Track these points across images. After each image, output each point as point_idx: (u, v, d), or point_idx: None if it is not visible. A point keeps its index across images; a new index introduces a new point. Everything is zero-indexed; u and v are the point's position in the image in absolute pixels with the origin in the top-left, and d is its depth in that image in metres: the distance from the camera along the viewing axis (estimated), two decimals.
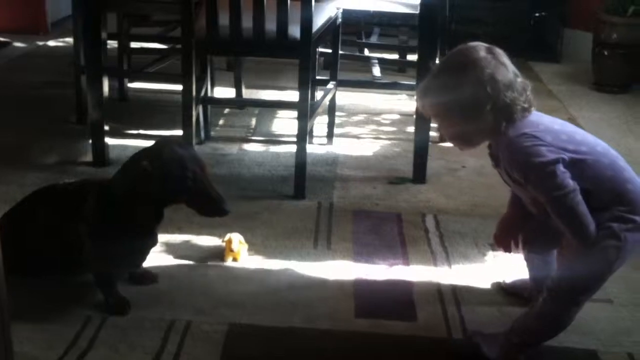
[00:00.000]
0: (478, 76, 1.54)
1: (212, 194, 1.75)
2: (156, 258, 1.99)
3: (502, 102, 1.55)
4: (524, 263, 1.88)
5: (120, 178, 1.77)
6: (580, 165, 1.55)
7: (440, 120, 1.68)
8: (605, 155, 1.59)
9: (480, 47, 1.59)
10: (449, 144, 3.01)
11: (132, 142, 2.80)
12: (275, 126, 3.17)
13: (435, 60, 2.69)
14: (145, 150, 1.77)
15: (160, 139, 1.82)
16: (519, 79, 1.60)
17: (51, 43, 4.42)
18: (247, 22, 2.37)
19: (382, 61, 3.86)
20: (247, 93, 3.38)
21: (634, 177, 1.59)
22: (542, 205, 1.59)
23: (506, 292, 1.94)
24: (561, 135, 1.58)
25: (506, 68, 1.57)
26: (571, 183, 1.53)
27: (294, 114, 2.49)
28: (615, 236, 1.55)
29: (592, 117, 3.38)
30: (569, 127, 1.64)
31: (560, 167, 1.53)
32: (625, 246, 1.55)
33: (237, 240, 2.06)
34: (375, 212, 2.39)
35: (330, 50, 2.93)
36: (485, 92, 1.54)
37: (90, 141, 2.67)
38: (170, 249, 2.10)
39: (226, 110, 3.32)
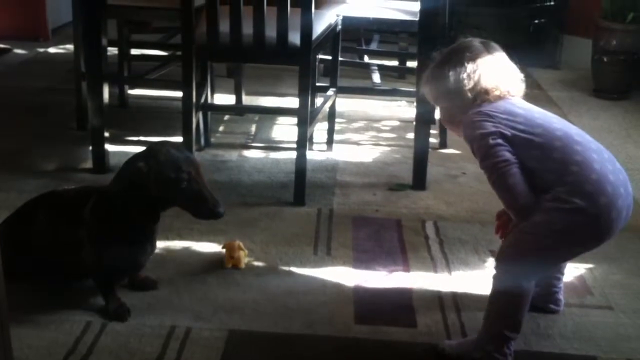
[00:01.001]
0: (462, 60, 1.72)
1: (206, 196, 1.75)
2: (156, 264, 1.99)
3: (479, 86, 1.70)
4: None
5: (117, 181, 1.78)
6: (526, 144, 1.62)
7: (435, 103, 1.85)
8: (561, 139, 1.62)
9: (474, 40, 1.77)
10: (449, 151, 3.03)
11: (133, 149, 2.79)
12: (275, 133, 3.17)
13: None
14: (140, 152, 1.77)
15: (155, 142, 1.82)
16: (509, 72, 1.74)
17: (51, 50, 4.43)
18: (247, 29, 2.38)
19: (381, 68, 3.87)
20: (247, 100, 3.38)
21: (589, 163, 1.59)
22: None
23: None
24: (518, 117, 1.66)
25: (493, 58, 1.73)
26: (506, 155, 1.61)
27: (294, 120, 2.49)
28: (546, 214, 1.59)
29: (592, 124, 3.39)
30: (536, 114, 1.70)
31: (497, 140, 1.62)
32: (555, 227, 1.58)
33: (237, 246, 2.06)
34: (375, 219, 2.39)
35: (330, 57, 2.93)
36: (465, 74, 1.71)
37: (91, 148, 2.68)
38: (171, 255, 2.10)
39: (226, 117, 3.33)
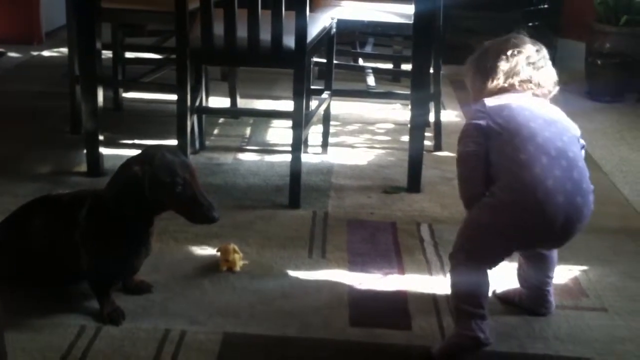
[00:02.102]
0: (497, 52, 1.81)
1: (201, 201, 1.74)
2: (151, 268, 1.98)
3: (496, 79, 1.79)
4: (516, 272, 1.92)
5: (111, 185, 1.77)
6: (495, 137, 1.69)
7: (466, 78, 1.93)
8: (523, 139, 1.66)
9: (524, 37, 1.86)
10: (443, 153, 3.04)
11: (127, 152, 2.79)
12: (270, 136, 3.17)
13: (429, 69, 2.70)
14: (135, 156, 1.77)
15: (150, 146, 1.82)
16: (543, 70, 1.83)
17: (45, 53, 4.43)
18: (241, 33, 2.38)
19: (376, 71, 3.87)
20: (241, 103, 3.38)
21: (531, 164, 1.63)
22: None
23: (500, 300, 1.95)
24: (504, 110, 1.72)
25: (525, 58, 1.79)
26: (471, 145, 1.71)
27: (289, 123, 2.50)
28: (477, 207, 1.70)
29: (586, 126, 3.38)
30: (525, 110, 1.73)
31: (471, 129, 1.72)
32: (482, 220, 1.69)
33: (232, 249, 2.06)
34: (370, 222, 2.40)
35: (324, 60, 2.94)
36: (491, 64, 1.80)
37: (85, 151, 2.67)
38: (165, 258, 2.09)
39: (221, 120, 3.33)
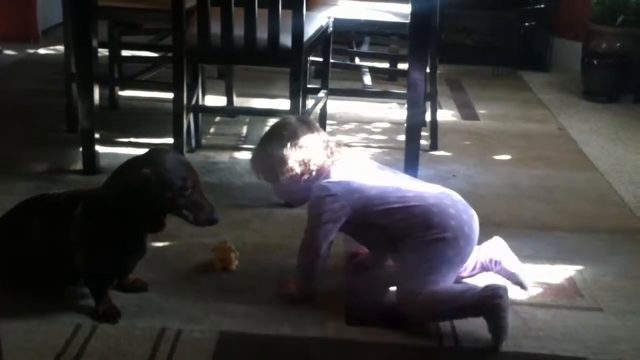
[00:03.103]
0: (282, 138, 1.92)
1: (204, 204, 1.76)
2: (147, 266, 1.98)
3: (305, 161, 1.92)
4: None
5: (114, 187, 1.76)
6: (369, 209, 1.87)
7: (271, 181, 2.02)
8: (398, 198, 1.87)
9: (290, 117, 2.03)
10: (439, 153, 3.04)
11: (123, 150, 2.80)
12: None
13: (425, 68, 2.70)
14: (139, 158, 1.76)
15: (153, 148, 1.81)
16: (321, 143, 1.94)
17: (42, 51, 4.42)
18: (238, 31, 2.38)
19: (373, 70, 3.88)
20: (238, 101, 3.38)
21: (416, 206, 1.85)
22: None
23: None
24: (355, 194, 1.88)
25: (309, 132, 1.93)
26: (329, 219, 1.88)
27: None
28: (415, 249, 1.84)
29: (581, 126, 3.40)
30: (370, 180, 1.92)
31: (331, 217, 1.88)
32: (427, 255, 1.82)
33: (228, 248, 2.06)
34: None
35: (321, 59, 2.93)
36: (287, 151, 1.91)
37: (81, 149, 2.67)
38: (161, 257, 2.09)
39: (217, 119, 3.33)
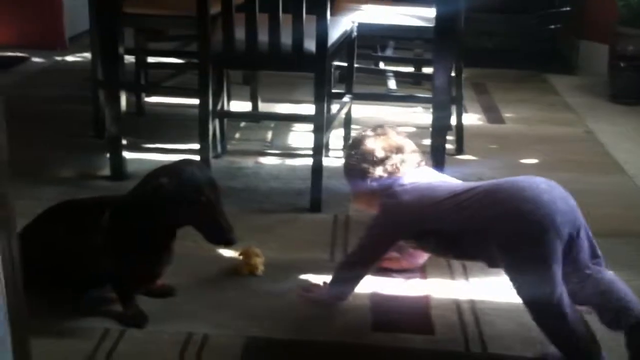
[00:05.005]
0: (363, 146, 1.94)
1: (220, 222, 1.74)
2: (173, 271, 1.99)
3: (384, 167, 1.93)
4: None
5: (137, 192, 1.78)
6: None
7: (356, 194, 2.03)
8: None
9: (368, 130, 2.01)
10: (465, 156, 3.02)
11: (150, 156, 2.82)
12: (291, 139, 3.17)
13: (450, 72, 2.69)
14: (165, 167, 1.78)
15: (183, 159, 1.82)
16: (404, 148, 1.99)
17: (69, 58, 4.47)
18: (262, 37, 2.38)
19: (397, 74, 3.86)
20: (263, 107, 3.39)
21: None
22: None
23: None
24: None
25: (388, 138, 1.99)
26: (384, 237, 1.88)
27: (310, 127, 2.50)
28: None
29: (609, 129, 3.36)
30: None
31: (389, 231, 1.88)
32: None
33: (253, 253, 2.06)
34: None
35: (345, 64, 2.94)
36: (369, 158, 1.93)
37: (108, 155, 2.69)
38: (187, 262, 2.10)
39: (242, 124, 3.34)
